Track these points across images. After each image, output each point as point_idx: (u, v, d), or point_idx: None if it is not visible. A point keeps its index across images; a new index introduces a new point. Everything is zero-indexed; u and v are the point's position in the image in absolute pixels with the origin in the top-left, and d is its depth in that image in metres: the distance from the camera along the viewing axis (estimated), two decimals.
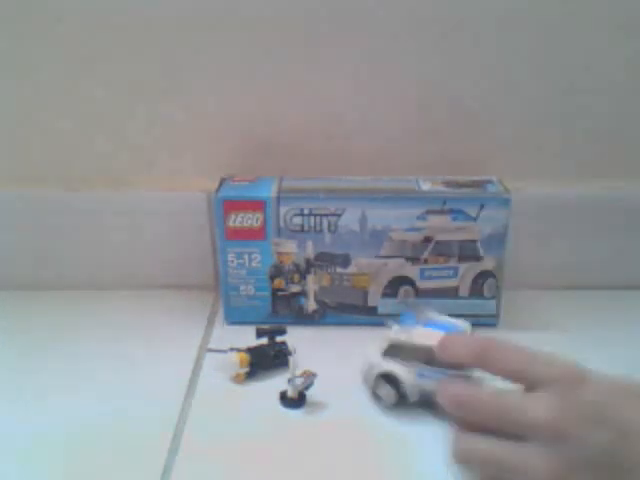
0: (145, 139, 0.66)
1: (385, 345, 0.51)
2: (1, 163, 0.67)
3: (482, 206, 0.59)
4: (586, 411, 0.37)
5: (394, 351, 0.51)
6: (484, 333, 0.49)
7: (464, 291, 0.61)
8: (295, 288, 0.62)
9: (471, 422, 0.41)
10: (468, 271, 0.61)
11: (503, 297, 0.62)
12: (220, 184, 0.61)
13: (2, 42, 0.62)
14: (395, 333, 0.51)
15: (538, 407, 0.38)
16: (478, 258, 0.60)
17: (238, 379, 0.55)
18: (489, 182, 0.62)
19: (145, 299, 0.67)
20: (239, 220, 0.59)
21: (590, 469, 0.37)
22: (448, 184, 0.61)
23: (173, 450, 0.48)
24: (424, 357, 0.49)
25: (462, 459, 0.41)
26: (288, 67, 0.63)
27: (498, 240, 0.60)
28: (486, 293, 0.61)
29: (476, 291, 0.61)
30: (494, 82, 0.64)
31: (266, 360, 0.55)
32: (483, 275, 0.61)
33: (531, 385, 0.40)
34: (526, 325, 0.58)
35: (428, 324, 0.51)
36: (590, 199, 0.66)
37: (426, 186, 0.61)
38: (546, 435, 0.38)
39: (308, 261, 0.60)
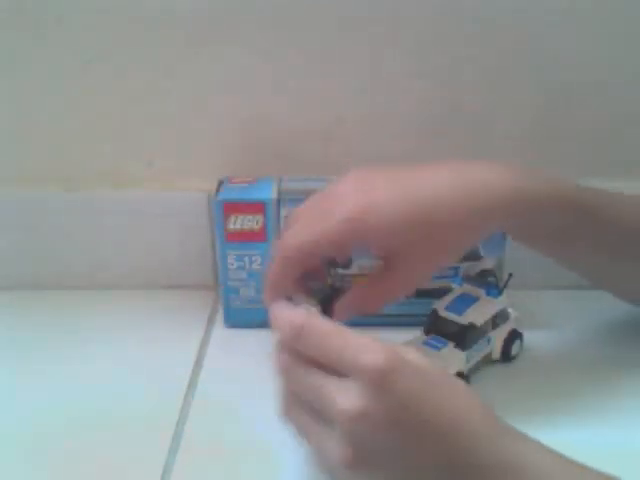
0: (145, 139, 0.66)
1: None
2: (1, 163, 0.67)
3: None
4: (387, 411, 0.36)
5: None
6: None
7: None
8: None
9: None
10: (468, 271, 0.60)
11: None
12: (219, 186, 0.61)
13: (2, 42, 0.62)
14: None
15: (347, 397, 0.36)
16: (478, 258, 0.60)
17: None
18: None
19: (145, 299, 0.67)
20: (239, 222, 0.59)
21: (382, 465, 0.36)
22: None
23: (173, 450, 0.48)
24: None
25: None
26: (288, 67, 0.63)
27: (498, 240, 0.60)
28: None
29: None
30: (494, 82, 0.64)
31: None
32: (483, 274, 0.60)
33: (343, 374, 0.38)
34: (526, 325, 0.58)
35: None
36: None
37: None
38: (345, 427, 0.36)
39: None
